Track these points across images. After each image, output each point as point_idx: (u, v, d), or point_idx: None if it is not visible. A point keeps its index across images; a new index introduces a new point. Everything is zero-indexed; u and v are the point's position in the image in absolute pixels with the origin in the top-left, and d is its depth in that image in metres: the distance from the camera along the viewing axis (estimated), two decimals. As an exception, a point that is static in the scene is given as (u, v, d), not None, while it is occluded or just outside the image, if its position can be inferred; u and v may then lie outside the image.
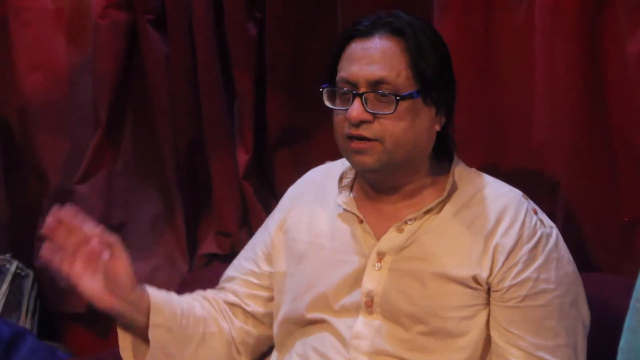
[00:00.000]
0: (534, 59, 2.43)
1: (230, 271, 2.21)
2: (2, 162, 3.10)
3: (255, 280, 2.15)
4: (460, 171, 2.04)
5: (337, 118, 1.98)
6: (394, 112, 1.92)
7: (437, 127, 1.99)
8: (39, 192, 3.07)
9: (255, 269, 2.16)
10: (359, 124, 1.93)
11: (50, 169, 3.03)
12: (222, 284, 2.21)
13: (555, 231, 2.02)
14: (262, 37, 2.78)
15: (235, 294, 2.16)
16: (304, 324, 2.06)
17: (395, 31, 1.95)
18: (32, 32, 3.01)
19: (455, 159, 2.06)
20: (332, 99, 1.99)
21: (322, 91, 1.99)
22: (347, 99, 1.95)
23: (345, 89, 1.96)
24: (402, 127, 1.94)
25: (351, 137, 1.95)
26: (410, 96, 1.93)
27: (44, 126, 3.03)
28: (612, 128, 2.41)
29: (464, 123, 2.52)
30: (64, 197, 3.03)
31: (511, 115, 2.52)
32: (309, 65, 2.72)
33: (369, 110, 1.93)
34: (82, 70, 2.99)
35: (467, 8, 2.49)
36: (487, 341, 1.98)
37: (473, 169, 2.08)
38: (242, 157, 2.82)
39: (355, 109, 1.93)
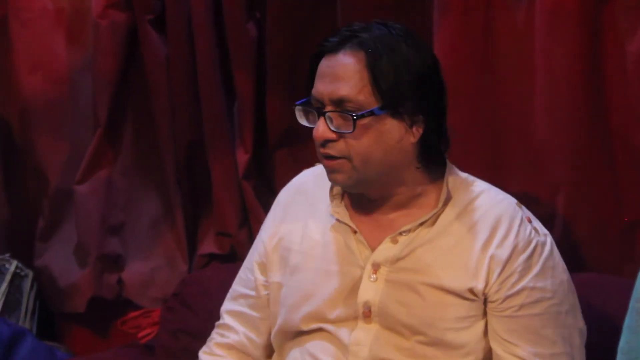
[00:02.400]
0: (534, 59, 2.43)
1: (230, 305, 2.19)
2: (2, 162, 3.10)
3: (256, 314, 2.15)
4: (454, 179, 2.01)
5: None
6: (352, 131, 1.90)
7: (412, 139, 1.94)
8: (38, 192, 3.07)
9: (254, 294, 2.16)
10: (325, 142, 1.93)
11: (50, 169, 3.04)
12: (223, 320, 2.19)
13: (549, 239, 2.01)
14: (262, 37, 2.78)
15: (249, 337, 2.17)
16: (299, 335, 2.05)
17: (359, 46, 1.92)
18: (32, 33, 3.01)
19: (449, 166, 2.02)
20: (306, 116, 1.98)
21: (294, 108, 1.98)
22: (316, 117, 1.94)
23: (314, 107, 1.94)
24: (366, 144, 1.91)
25: (323, 155, 1.95)
26: (370, 113, 1.90)
27: (44, 126, 3.03)
28: (612, 128, 2.41)
29: (464, 124, 2.52)
30: (63, 197, 3.03)
31: (511, 116, 2.51)
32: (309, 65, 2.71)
33: (333, 129, 1.92)
34: (82, 70, 2.99)
35: (467, 8, 2.49)
36: (486, 349, 1.98)
37: (466, 175, 2.05)
38: (242, 157, 2.82)
39: (320, 129, 1.92)
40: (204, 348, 2.19)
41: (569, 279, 2.01)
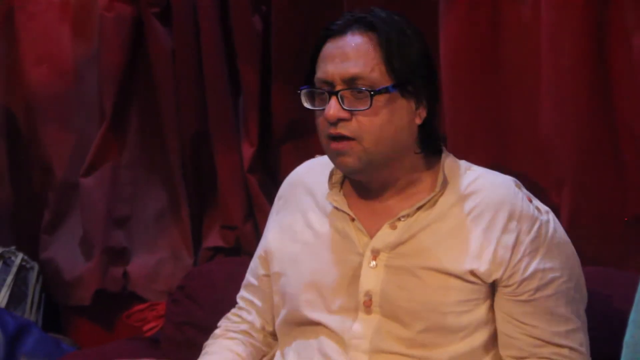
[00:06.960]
0: (540, 54, 2.43)
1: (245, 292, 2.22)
2: (7, 154, 3.11)
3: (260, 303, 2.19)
4: (450, 164, 2.02)
5: (318, 119, 1.97)
6: (369, 107, 1.91)
7: (418, 121, 1.97)
8: (44, 184, 3.08)
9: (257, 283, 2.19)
10: (337, 122, 1.92)
11: (55, 162, 3.05)
12: (237, 305, 2.22)
13: (551, 216, 2.01)
14: (267, 30, 2.78)
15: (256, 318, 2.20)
16: (301, 324, 2.06)
17: (368, 26, 1.94)
18: (38, 25, 3.02)
19: (445, 152, 2.04)
20: (311, 100, 1.98)
21: (299, 93, 1.98)
22: (325, 99, 1.95)
23: (322, 89, 1.95)
24: (379, 122, 1.92)
25: (332, 137, 1.94)
26: (385, 90, 1.92)
27: (50, 119, 3.04)
28: (618, 122, 2.41)
29: (470, 118, 2.52)
30: (69, 190, 3.04)
31: (517, 110, 2.51)
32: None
33: (346, 108, 1.92)
34: (87, 63, 3.00)
35: (473, 3, 2.49)
36: (488, 332, 1.99)
37: (463, 161, 2.05)
38: (247, 151, 2.82)
39: (332, 108, 1.92)
40: (218, 324, 2.24)
41: (573, 250, 2.02)
